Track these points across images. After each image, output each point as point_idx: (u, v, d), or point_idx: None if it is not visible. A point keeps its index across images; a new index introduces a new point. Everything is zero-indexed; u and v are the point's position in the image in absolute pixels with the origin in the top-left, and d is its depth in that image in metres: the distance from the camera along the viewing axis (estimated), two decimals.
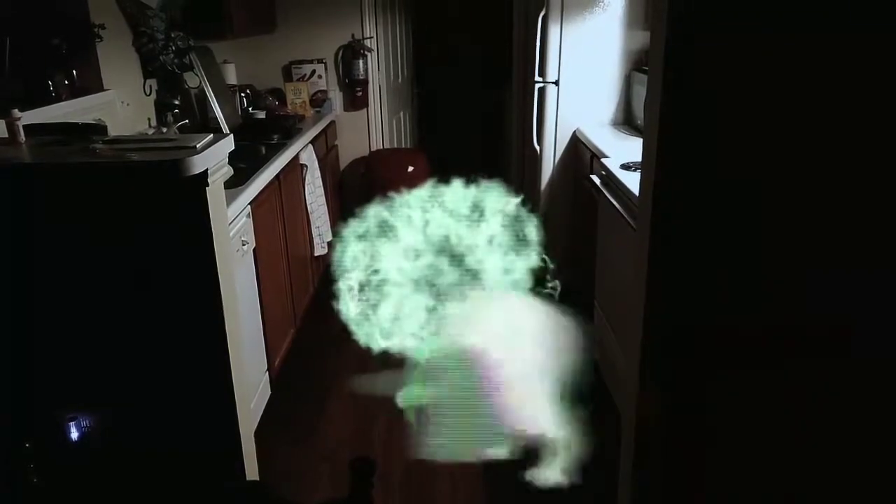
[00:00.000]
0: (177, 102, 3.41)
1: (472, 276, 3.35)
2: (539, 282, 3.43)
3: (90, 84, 2.77)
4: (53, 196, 1.76)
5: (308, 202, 3.55)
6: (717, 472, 1.47)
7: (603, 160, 2.86)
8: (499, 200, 3.62)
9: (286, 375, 2.95)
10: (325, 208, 3.81)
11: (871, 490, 1.42)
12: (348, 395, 2.93)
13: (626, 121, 3.63)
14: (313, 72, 4.48)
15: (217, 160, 1.83)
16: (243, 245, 2.43)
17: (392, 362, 3.06)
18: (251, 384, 2.43)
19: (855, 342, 1.31)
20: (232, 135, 1.96)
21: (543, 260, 3.45)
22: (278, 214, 3.01)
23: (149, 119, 3.28)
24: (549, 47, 3.53)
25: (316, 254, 3.69)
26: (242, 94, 4.09)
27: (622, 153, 2.86)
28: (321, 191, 3.75)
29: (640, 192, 1.49)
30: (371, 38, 4.52)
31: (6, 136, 1.90)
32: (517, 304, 3.12)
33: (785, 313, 1.33)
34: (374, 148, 4.77)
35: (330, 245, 3.81)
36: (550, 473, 2.37)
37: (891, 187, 1.23)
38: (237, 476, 2.06)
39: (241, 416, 2.02)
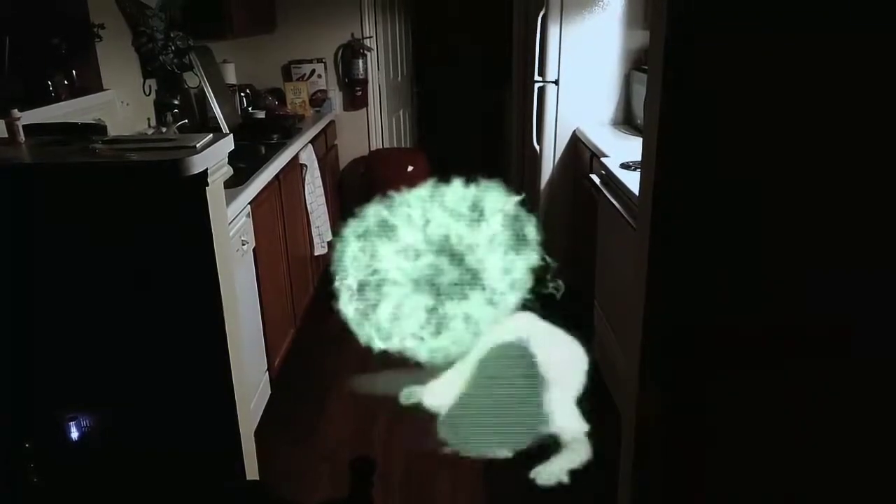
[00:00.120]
0: (176, 102, 3.41)
1: (473, 275, 3.35)
2: (540, 281, 3.44)
3: (90, 84, 2.77)
4: (53, 196, 1.76)
5: (308, 202, 3.55)
6: (717, 472, 1.47)
7: (603, 159, 2.86)
8: (499, 200, 3.62)
9: (286, 375, 2.95)
10: (324, 208, 3.81)
11: (871, 490, 1.42)
12: (348, 395, 2.93)
13: (625, 120, 3.63)
14: (313, 71, 4.48)
15: (217, 160, 1.82)
16: (243, 245, 2.43)
17: (392, 362, 3.07)
18: (251, 384, 2.43)
19: (855, 342, 1.31)
20: (231, 134, 1.96)
21: (545, 260, 3.45)
22: (278, 214, 3.01)
23: (148, 119, 3.28)
24: (549, 47, 3.53)
25: (316, 253, 3.69)
26: (242, 94, 4.09)
27: (622, 152, 2.86)
28: (321, 190, 3.75)
29: (639, 192, 1.49)
30: (371, 37, 4.52)
31: (6, 136, 1.90)
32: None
33: (785, 313, 1.33)
34: (373, 147, 4.77)
35: (330, 245, 3.81)
36: (558, 470, 2.37)
37: (891, 187, 1.23)
38: (237, 476, 2.06)
39: (241, 415, 2.02)
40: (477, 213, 3.59)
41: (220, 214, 1.90)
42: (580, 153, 3.51)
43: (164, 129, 3.18)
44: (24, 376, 1.91)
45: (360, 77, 4.53)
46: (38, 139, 1.93)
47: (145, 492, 1.97)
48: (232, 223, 2.23)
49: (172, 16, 3.40)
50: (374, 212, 3.64)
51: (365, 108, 4.69)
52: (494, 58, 5.83)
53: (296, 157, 3.39)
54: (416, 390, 2.85)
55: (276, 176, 2.98)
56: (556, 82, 3.58)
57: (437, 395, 2.79)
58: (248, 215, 2.51)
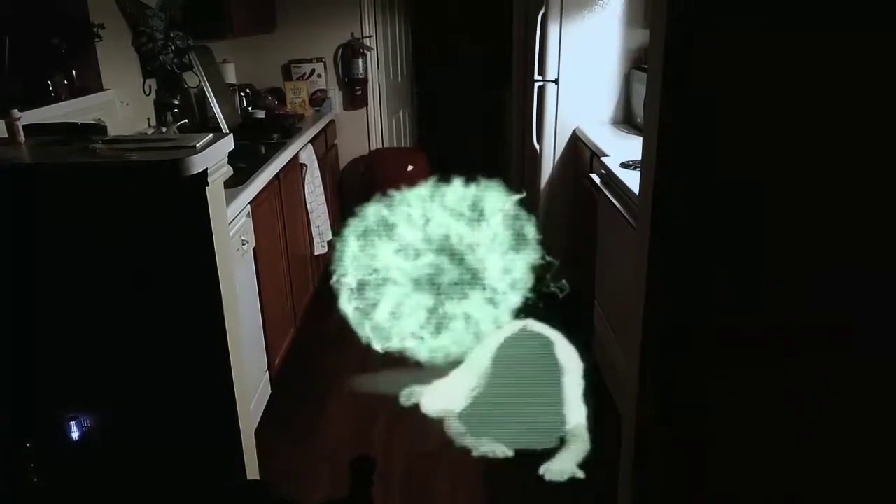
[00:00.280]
0: (176, 102, 3.41)
1: (473, 275, 3.35)
2: (541, 281, 3.44)
3: (90, 84, 2.77)
4: (53, 196, 1.76)
5: (308, 201, 3.55)
6: (717, 472, 1.47)
7: (603, 159, 2.86)
8: (499, 200, 3.62)
9: (286, 375, 2.95)
10: (324, 207, 3.81)
11: (871, 490, 1.42)
12: (348, 395, 2.94)
13: (625, 119, 3.63)
14: (313, 71, 4.48)
15: (217, 160, 1.82)
16: (243, 244, 2.43)
17: (392, 362, 3.07)
18: (251, 384, 2.43)
19: (855, 342, 1.31)
20: (231, 134, 1.96)
21: (547, 260, 3.45)
22: (278, 214, 3.01)
23: (148, 119, 3.28)
24: (549, 46, 3.53)
25: (316, 253, 3.69)
26: (242, 94, 4.09)
27: (622, 152, 2.86)
28: (321, 190, 3.75)
29: (640, 192, 1.49)
30: (370, 36, 4.52)
31: (6, 136, 1.90)
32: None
33: (785, 313, 1.33)
34: (373, 147, 4.76)
35: (330, 244, 3.81)
36: (569, 466, 2.37)
37: (891, 187, 1.23)
38: (237, 475, 2.06)
39: (242, 415, 2.03)
40: (477, 212, 3.59)
41: (221, 214, 1.90)
42: (580, 152, 3.51)
43: (164, 129, 3.18)
44: (24, 376, 1.91)
45: (360, 77, 4.53)
46: (38, 139, 1.93)
47: (146, 491, 1.97)
48: (232, 223, 2.23)
49: (172, 16, 3.40)
50: (374, 211, 3.64)
51: (365, 108, 4.69)
52: (494, 58, 5.83)
53: (296, 157, 3.39)
54: (417, 390, 2.86)
55: (276, 175, 2.98)
56: (556, 81, 3.58)
57: (450, 394, 2.79)
58: (248, 215, 2.51)
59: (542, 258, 3.47)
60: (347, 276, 3.44)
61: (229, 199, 2.19)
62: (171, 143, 1.88)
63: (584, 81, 3.58)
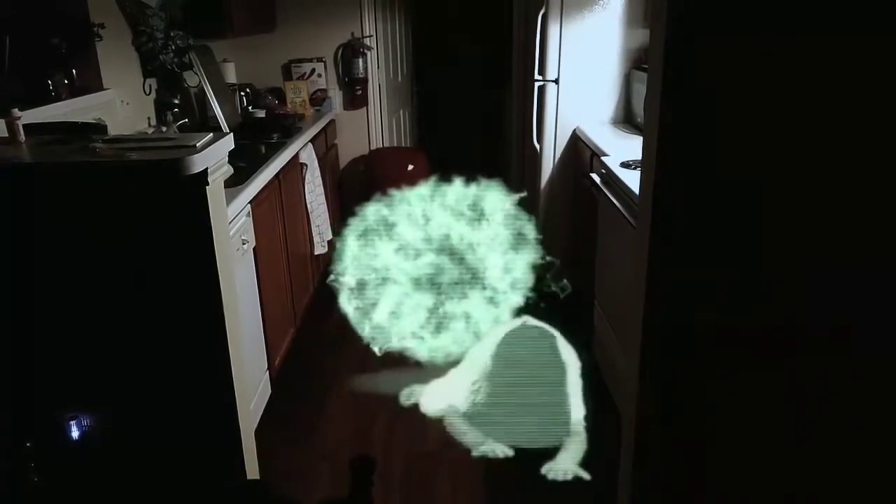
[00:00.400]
0: (176, 101, 3.41)
1: (473, 275, 3.35)
2: (542, 280, 3.44)
3: (90, 83, 2.77)
4: (53, 196, 1.76)
5: (308, 201, 3.55)
6: (717, 472, 1.47)
7: (603, 158, 2.86)
8: (499, 199, 3.62)
9: (286, 374, 2.95)
10: (324, 207, 3.81)
11: (871, 490, 1.42)
12: (348, 395, 2.94)
13: (625, 119, 3.62)
14: (313, 70, 4.48)
15: (217, 159, 1.82)
16: (243, 244, 2.43)
17: (392, 361, 3.07)
18: (251, 383, 2.43)
19: (855, 342, 1.31)
20: (231, 134, 1.96)
21: (549, 259, 3.46)
22: (278, 213, 3.01)
23: (148, 118, 3.27)
24: (549, 45, 3.53)
25: (316, 252, 3.69)
26: (242, 93, 4.09)
27: (622, 151, 2.86)
28: (321, 189, 3.75)
29: (640, 191, 1.49)
30: (370, 36, 4.51)
31: (6, 135, 1.90)
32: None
33: (785, 313, 1.33)
34: (373, 147, 4.76)
35: (330, 244, 3.82)
36: (571, 466, 2.37)
37: (891, 187, 1.23)
38: (237, 475, 2.06)
39: (242, 415, 2.03)
40: (477, 212, 3.59)
41: (221, 214, 1.90)
42: (580, 152, 3.51)
43: (164, 129, 3.18)
44: (24, 376, 1.91)
45: (360, 76, 4.53)
46: (38, 138, 1.93)
47: (146, 491, 1.97)
48: (232, 222, 2.23)
49: (172, 15, 3.40)
50: (374, 211, 3.64)
51: (365, 108, 4.69)
52: (494, 58, 5.83)
53: (296, 157, 3.39)
54: (417, 390, 2.86)
55: (277, 175, 2.98)
56: (557, 81, 3.58)
57: (450, 394, 2.79)
58: (248, 214, 2.51)
59: (543, 258, 3.47)
60: (347, 275, 3.44)
61: (229, 199, 2.19)
62: (171, 143, 1.88)
63: (585, 81, 3.58)
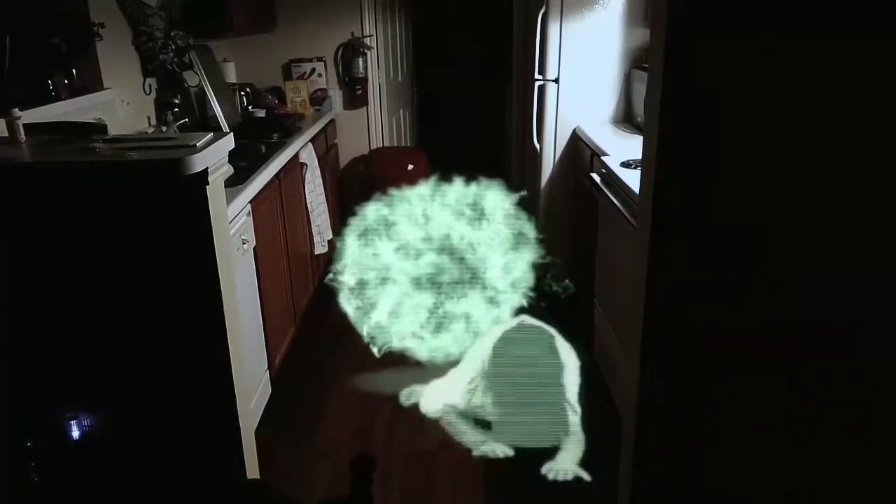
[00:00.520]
0: (177, 101, 3.41)
1: (473, 275, 3.35)
2: (542, 280, 3.44)
3: (90, 83, 2.77)
4: (53, 195, 1.76)
5: (308, 201, 3.55)
6: (717, 472, 1.47)
7: (603, 158, 2.86)
8: (499, 199, 3.62)
9: (287, 374, 2.95)
10: (325, 207, 3.81)
11: (870, 490, 1.42)
12: (349, 394, 2.94)
13: (626, 118, 3.62)
14: (313, 70, 4.48)
15: (217, 159, 1.82)
16: (243, 244, 2.43)
17: (392, 361, 3.07)
18: (252, 383, 2.44)
19: (855, 342, 1.31)
20: (232, 133, 1.96)
21: (551, 259, 3.45)
22: (278, 213, 3.01)
23: (149, 118, 3.27)
24: (549, 45, 3.53)
25: (316, 252, 3.69)
26: (242, 93, 4.08)
27: (622, 151, 2.85)
28: (321, 189, 3.75)
29: (640, 191, 1.49)
30: (371, 36, 4.51)
31: (6, 135, 1.90)
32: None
33: (785, 313, 1.33)
34: (373, 146, 4.76)
35: (330, 243, 3.81)
36: (571, 466, 2.37)
37: (891, 187, 1.23)
38: (238, 474, 2.06)
39: (242, 414, 2.03)
40: (477, 212, 3.59)
41: (221, 213, 1.90)
42: (580, 152, 3.51)
43: (164, 128, 3.18)
44: (25, 375, 1.91)
45: (360, 76, 4.53)
46: (38, 138, 1.93)
47: (146, 490, 1.97)
48: (232, 222, 2.23)
49: (173, 15, 3.40)
50: (374, 210, 3.64)
51: (365, 107, 4.69)
52: (494, 58, 5.83)
53: (296, 156, 3.39)
54: (417, 389, 2.86)
55: (277, 175, 2.98)
56: (557, 80, 3.58)
57: (449, 393, 2.79)
58: (248, 214, 2.51)
59: (543, 257, 3.47)
60: (347, 275, 3.44)
61: (229, 199, 2.19)
62: (171, 143, 1.88)
63: (585, 80, 3.58)
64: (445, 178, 3.73)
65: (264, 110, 4.00)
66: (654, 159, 1.33)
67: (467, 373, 2.88)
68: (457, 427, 2.63)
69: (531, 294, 3.31)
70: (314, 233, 3.64)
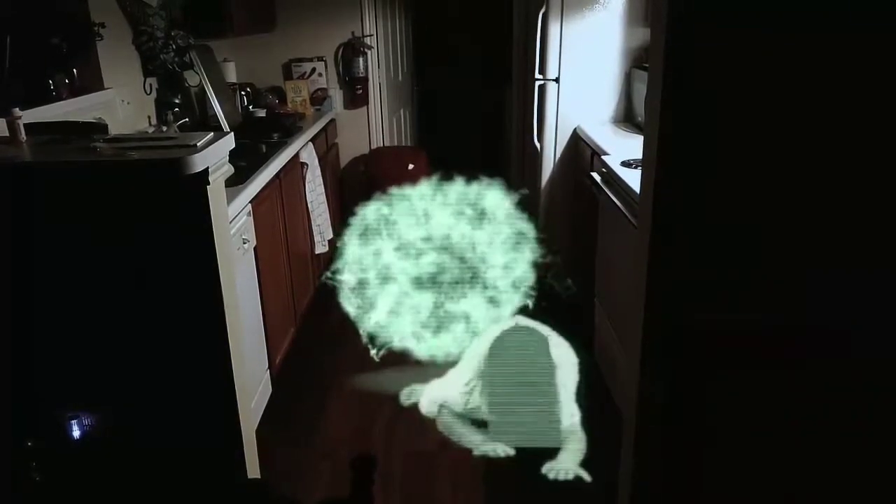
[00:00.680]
0: (177, 101, 3.41)
1: (473, 274, 3.35)
2: (543, 280, 3.44)
3: (90, 83, 2.77)
4: (54, 195, 1.76)
5: (308, 200, 3.55)
6: (717, 472, 1.47)
7: (604, 157, 2.86)
8: (499, 198, 3.62)
9: (287, 373, 2.96)
10: (325, 206, 3.81)
11: (870, 490, 1.42)
12: (349, 394, 2.94)
13: (626, 118, 3.62)
14: (313, 70, 4.48)
15: (217, 158, 1.83)
16: (244, 243, 2.43)
17: (393, 360, 3.07)
18: (252, 382, 2.44)
19: (855, 342, 1.31)
20: (232, 133, 1.96)
21: (549, 258, 3.45)
22: (279, 213, 3.02)
23: (149, 117, 3.28)
24: (550, 44, 3.53)
25: (317, 252, 3.69)
26: (242, 93, 4.09)
27: (623, 150, 2.85)
28: (321, 189, 3.75)
29: (640, 191, 1.49)
30: (371, 35, 4.51)
31: (7, 135, 1.90)
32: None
33: (785, 313, 1.33)
34: (374, 146, 4.76)
35: (331, 243, 3.82)
36: (571, 466, 2.38)
37: (891, 187, 1.23)
38: (238, 474, 2.06)
39: (243, 414, 2.03)
40: (477, 211, 3.59)
41: (221, 213, 1.91)
42: (581, 151, 3.51)
43: (164, 128, 3.18)
44: (25, 375, 1.91)
45: (361, 75, 4.53)
46: (39, 138, 1.93)
47: (147, 490, 1.98)
48: (233, 222, 2.23)
49: (173, 15, 3.40)
50: (374, 210, 3.64)
51: (365, 107, 4.69)
52: (494, 58, 5.83)
53: (296, 156, 3.39)
54: (417, 389, 2.86)
55: (277, 174, 2.98)
56: (557, 80, 3.58)
57: (448, 393, 2.79)
58: (248, 214, 2.51)
59: (543, 257, 3.47)
60: (348, 274, 3.44)
61: (230, 198, 2.19)
62: (171, 142, 1.88)
63: (585, 80, 3.58)
64: (446, 177, 3.73)
65: (265, 110, 4.00)
66: (654, 159, 1.33)
67: (463, 374, 2.89)
68: (454, 428, 2.63)
69: (532, 294, 3.32)
70: (314, 232, 3.64)
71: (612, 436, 1.86)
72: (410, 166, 4.39)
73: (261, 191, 2.69)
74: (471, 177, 3.67)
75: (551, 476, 2.34)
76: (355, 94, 4.59)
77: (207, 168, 1.75)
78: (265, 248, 2.72)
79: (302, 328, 3.31)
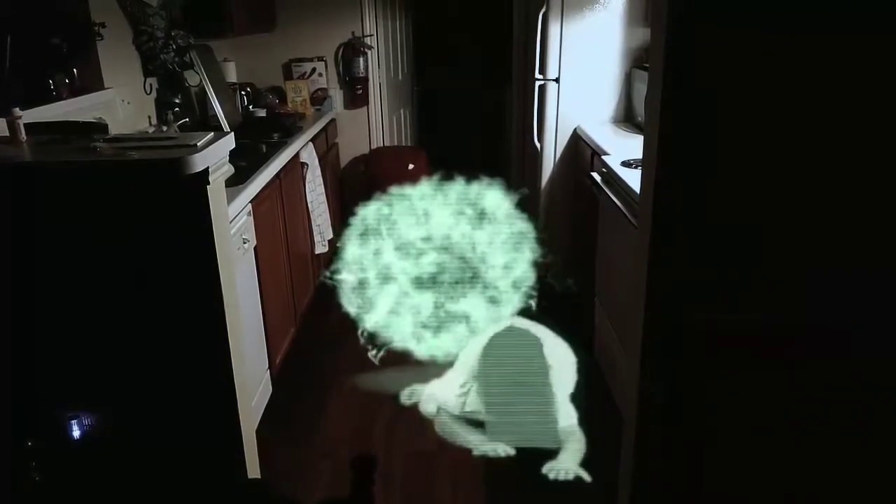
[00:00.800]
0: (177, 101, 3.41)
1: (474, 274, 3.35)
2: (543, 279, 3.44)
3: (91, 83, 2.77)
4: (54, 195, 1.77)
5: (308, 200, 3.55)
6: (717, 472, 1.47)
7: (604, 157, 2.86)
8: (499, 199, 3.63)
9: (287, 373, 2.96)
10: (325, 206, 3.81)
11: (870, 490, 1.42)
12: (349, 393, 2.94)
13: (626, 118, 3.62)
14: (313, 70, 4.48)
15: (218, 158, 1.83)
16: (244, 243, 2.43)
17: (393, 360, 3.07)
18: (252, 382, 2.44)
19: (855, 342, 1.31)
20: (232, 133, 1.96)
21: (549, 258, 3.46)
22: (279, 213, 3.02)
23: (149, 117, 3.28)
24: (550, 44, 3.53)
25: (317, 252, 3.69)
26: (243, 93, 4.09)
27: (623, 150, 2.85)
28: (322, 189, 3.75)
29: (640, 191, 1.49)
30: (371, 35, 4.51)
31: (7, 134, 1.90)
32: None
33: (785, 313, 1.33)
34: (374, 146, 4.76)
35: (331, 243, 3.82)
36: (572, 465, 2.38)
37: (891, 187, 1.23)
38: (238, 474, 2.06)
39: (243, 414, 2.03)
40: (477, 211, 3.59)
41: (221, 213, 1.91)
42: (581, 151, 3.51)
43: (164, 128, 3.18)
44: (25, 375, 1.91)
45: (361, 75, 4.53)
46: (39, 138, 1.93)
47: (147, 490, 1.98)
48: (233, 222, 2.23)
49: (173, 14, 3.40)
50: (374, 210, 3.65)
51: (365, 107, 4.69)
52: (494, 58, 5.83)
53: (296, 156, 3.39)
54: (417, 389, 2.86)
55: (277, 174, 2.98)
56: (557, 80, 3.58)
57: (447, 393, 2.79)
58: (248, 214, 2.51)
59: (544, 256, 3.47)
60: (348, 274, 3.45)
61: (230, 198, 2.19)
62: (172, 142, 1.88)
63: (585, 80, 3.58)
64: (446, 177, 3.73)
65: (265, 110, 4.00)
66: (654, 159, 1.33)
67: (459, 375, 2.89)
68: (451, 429, 2.63)
69: (532, 293, 3.32)
70: (315, 232, 3.64)
71: (612, 436, 1.86)
72: (410, 166, 4.39)
73: (261, 191, 2.69)
74: (471, 177, 3.67)
75: (551, 476, 2.34)
76: (355, 94, 4.59)
77: (207, 168, 1.75)
78: (265, 248, 2.72)
79: (302, 328, 3.31)
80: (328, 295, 3.51)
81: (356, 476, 1.81)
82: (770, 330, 1.33)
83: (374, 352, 3.10)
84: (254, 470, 2.15)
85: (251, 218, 2.55)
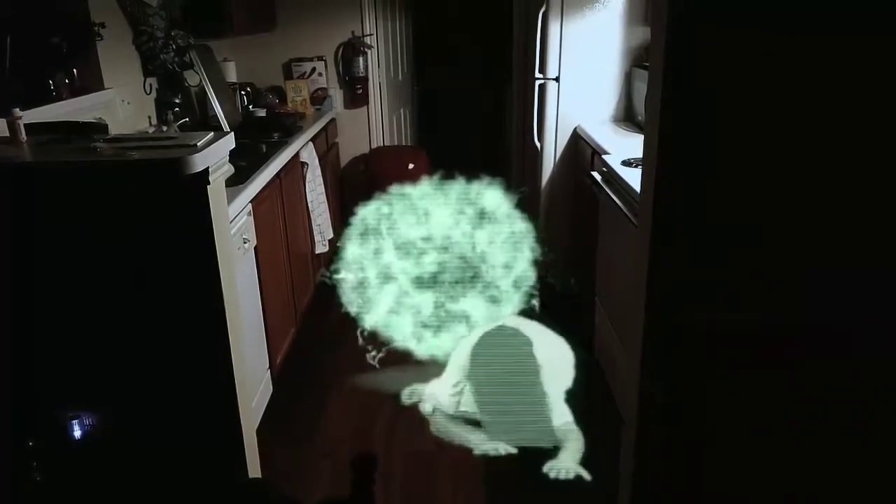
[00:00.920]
0: (177, 101, 3.41)
1: (474, 273, 3.35)
2: (543, 279, 3.44)
3: (90, 83, 2.77)
4: (54, 195, 1.76)
5: (309, 200, 3.55)
6: (717, 472, 1.47)
7: (604, 157, 2.86)
8: (499, 198, 3.63)
9: (287, 373, 2.96)
10: (325, 206, 3.81)
11: (870, 490, 1.42)
12: (349, 393, 2.94)
13: (626, 117, 3.62)
14: (313, 69, 4.48)
15: (218, 158, 1.83)
16: (244, 243, 2.43)
17: (393, 360, 3.07)
18: (253, 382, 2.44)
19: (855, 342, 1.31)
20: (232, 133, 1.96)
21: (549, 258, 3.46)
22: (279, 212, 3.02)
23: (149, 117, 3.28)
24: (550, 44, 3.52)
25: (317, 251, 3.69)
26: (243, 92, 4.09)
27: (623, 150, 2.85)
28: (322, 188, 3.75)
29: (641, 190, 1.49)
30: (371, 35, 4.51)
31: (7, 135, 1.90)
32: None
33: (785, 313, 1.33)
34: (374, 145, 4.76)
35: (331, 243, 3.82)
36: (572, 464, 2.38)
37: (891, 187, 1.23)
38: (239, 474, 2.06)
39: (243, 413, 2.03)
40: (478, 211, 3.59)
41: (222, 213, 1.91)
42: (581, 150, 3.51)
43: (164, 128, 3.18)
44: (25, 375, 1.91)
45: (361, 75, 4.53)
46: (39, 138, 1.93)
47: (147, 490, 1.98)
48: (233, 222, 2.23)
49: (173, 14, 3.40)
50: (374, 209, 3.64)
51: (365, 106, 4.69)
52: (494, 57, 5.83)
53: (296, 156, 3.39)
54: (417, 389, 2.86)
55: (277, 174, 2.98)
56: (557, 79, 3.57)
57: (446, 394, 2.80)
58: (249, 214, 2.51)
59: (544, 256, 3.47)
60: (348, 273, 3.45)
61: (230, 198, 2.19)
62: (172, 142, 1.88)
63: (585, 79, 3.58)
64: (446, 177, 3.73)
65: (265, 110, 4.00)
66: (654, 158, 1.33)
67: (451, 375, 2.89)
68: (444, 427, 2.63)
69: (532, 293, 3.32)
70: (315, 232, 3.64)
71: (612, 436, 1.86)
72: (410, 166, 4.39)
73: (261, 190, 2.69)
74: (471, 176, 3.67)
75: (552, 475, 2.34)
76: (355, 93, 4.59)
77: (208, 168, 1.75)
78: (265, 248, 2.72)
79: (302, 328, 3.31)
80: (328, 294, 3.51)
81: (356, 476, 1.81)
82: (770, 330, 1.33)
83: (373, 353, 3.10)
84: (254, 470, 2.15)
85: (251, 218, 2.55)
